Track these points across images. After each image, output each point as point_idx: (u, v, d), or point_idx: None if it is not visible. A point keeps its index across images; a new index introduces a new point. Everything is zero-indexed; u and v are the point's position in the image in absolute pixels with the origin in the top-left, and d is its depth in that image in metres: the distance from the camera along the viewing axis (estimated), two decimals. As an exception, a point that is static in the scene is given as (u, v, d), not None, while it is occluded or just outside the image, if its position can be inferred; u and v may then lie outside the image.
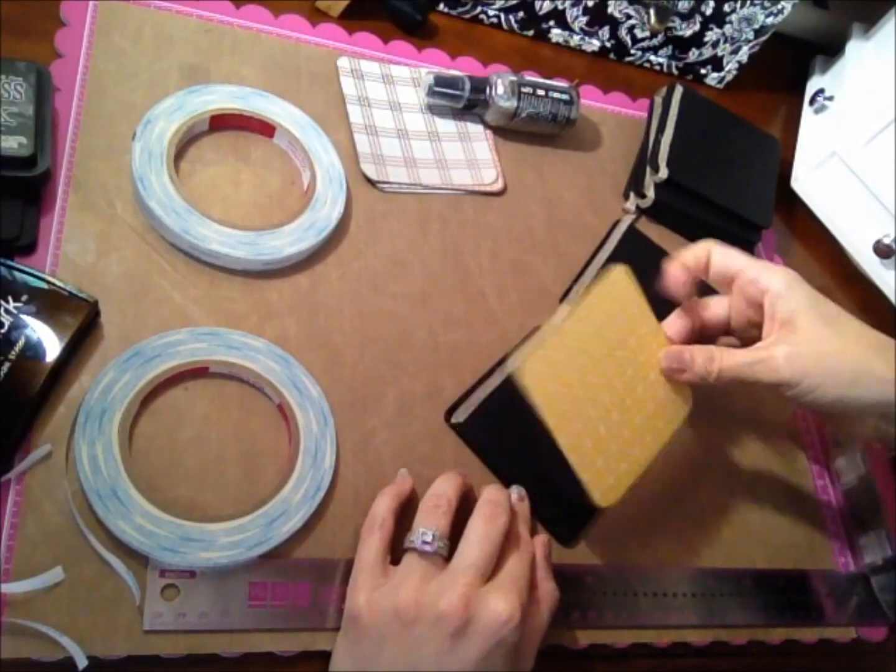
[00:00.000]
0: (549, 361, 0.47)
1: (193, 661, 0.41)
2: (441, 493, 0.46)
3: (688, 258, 0.52)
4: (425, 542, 0.43)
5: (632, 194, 0.67)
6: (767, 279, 0.48)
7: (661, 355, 0.50)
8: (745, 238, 0.68)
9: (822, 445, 0.63)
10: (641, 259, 0.64)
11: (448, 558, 0.43)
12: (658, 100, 0.71)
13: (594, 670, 0.49)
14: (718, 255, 0.51)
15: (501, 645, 0.40)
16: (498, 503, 0.45)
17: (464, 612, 0.40)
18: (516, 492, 0.50)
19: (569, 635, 0.48)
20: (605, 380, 0.48)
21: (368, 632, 0.41)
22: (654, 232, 0.67)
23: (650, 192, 0.65)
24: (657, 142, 0.67)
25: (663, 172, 0.64)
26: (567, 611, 0.48)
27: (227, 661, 0.42)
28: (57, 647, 0.39)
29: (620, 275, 0.51)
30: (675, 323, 0.53)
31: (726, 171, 0.68)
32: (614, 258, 0.63)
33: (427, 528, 0.43)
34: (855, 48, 0.78)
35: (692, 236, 0.68)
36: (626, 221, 0.65)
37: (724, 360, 0.48)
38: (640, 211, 0.67)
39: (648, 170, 0.66)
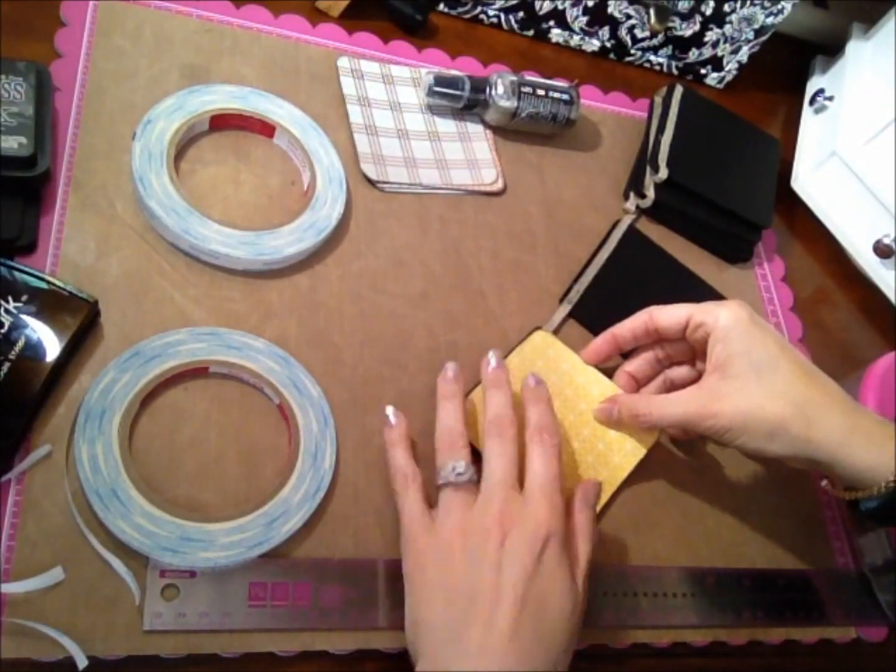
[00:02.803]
0: (479, 407, 0.51)
1: (193, 661, 0.41)
2: (451, 428, 0.47)
3: (621, 330, 0.54)
4: (459, 475, 0.45)
5: (632, 194, 0.67)
6: (713, 320, 0.50)
7: (594, 413, 0.54)
8: (745, 238, 0.68)
9: (822, 445, 0.63)
10: (641, 259, 0.65)
11: (479, 482, 0.45)
12: (658, 100, 0.71)
13: (594, 670, 0.49)
14: (663, 315, 0.52)
15: (547, 545, 0.42)
16: (500, 415, 0.47)
17: (502, 523, 0.42)
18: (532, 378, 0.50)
19: (569, 635, 0.48)
20: None
21: (430, 571, 0.42)
22: (655, 232, 0.67)
23: (650, 193, 0.65)
24: (657, 142, 0.67)
25: (663, 172, 0.64)
26: (567, 611, 0.48)
27: (227, 661, 0.42)
28: (57, 647, 0.39)
29: (541, 338, 0.57)
30: (633, 362, 0.56)
31: (726, 171, 0.68)
32: (614, 258, 0.63)
33: (454, 461, 0.45)
34: (855, 48, 0.78)
35: (692, 236, 0.68)
36: (626, 221, 0.65)
37: (654, 412, 0.50)
38: (640, 211, 0.67)
39: (648, 170, 0.66)
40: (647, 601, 0.51)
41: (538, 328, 0.57)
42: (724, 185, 0.67)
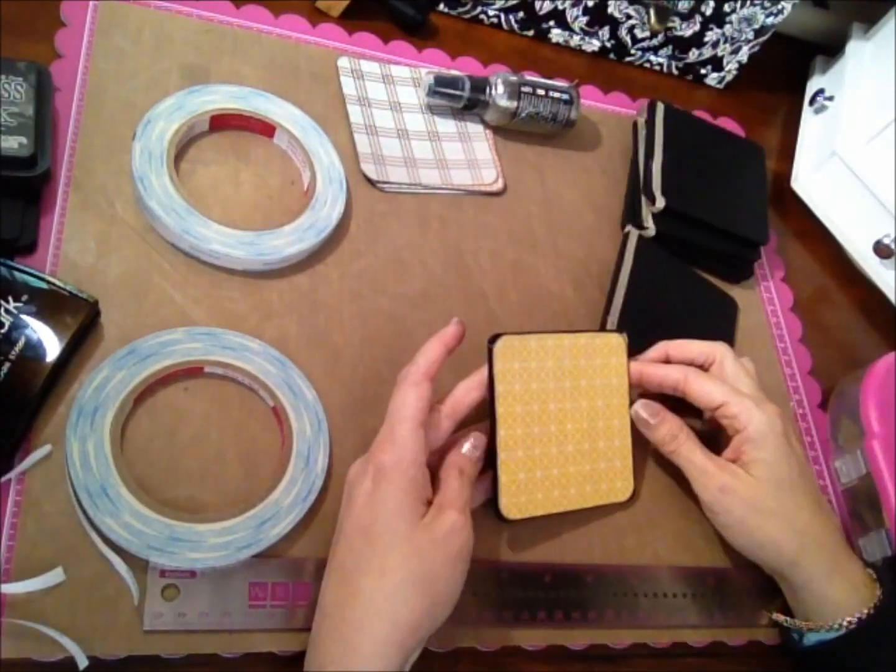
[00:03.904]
0: (520, 352, 0.50)
1: (193, 661, 0.41)
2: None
3: (651, 375, 0.53)
4: None
5: (629, 227, 0.64)
6: (747, 420, 0.50)
7: (636, 405, 0.53)
8: (745, 258, 0.67)
9: (822, 445, 0.63)
10: (659, 269, 0.63)
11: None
12: (641, 121, 0.70)
13: (594, 670, 0.49)
14: (696, 388, 0.52)
15: (378, 476, 0.43)
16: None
17: (364, 465, 0.44)
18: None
19: (569, 635, 0.48)
20: (562, 415, 0.51)
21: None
22: None
23: (649, 224, 0.64)
24: (648, 169, 0.65)
25: (660, 202, 0.63)
26: (567, 611, 0.48)
27: (227, 661, 0.42)
28: (57, 647, 0.39)
29: (617, 340, 0.54)
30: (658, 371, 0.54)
31: (719, 190, 0.67)
32: (635, 275, 0.60)
33: None
34: (855, 48, 0.78)
35: (692, 261, 0.66)
36: (635, 235, 0.63)
37: (682, 449, 0.51)
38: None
39: (644, 200, 0.64)
40: (647, 601, 0.51)
41: (621, 332, 0.55)
42: (718, 206, 0.66)
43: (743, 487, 0.49)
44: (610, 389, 0.54)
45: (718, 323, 0.64)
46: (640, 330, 0.58)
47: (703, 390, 0.51)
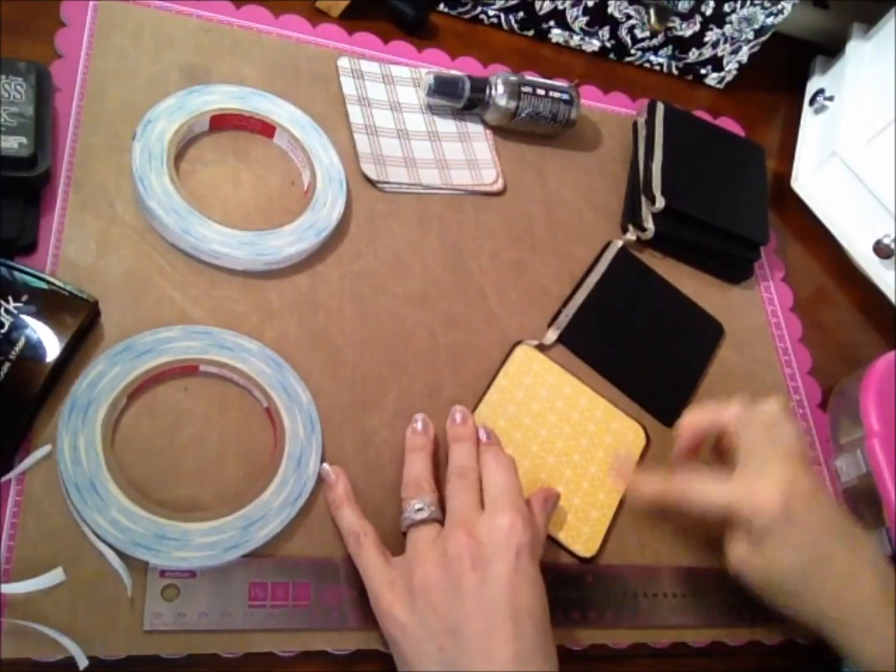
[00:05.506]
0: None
1: (193, 661, 0.41)
2: (417, 476, 0.47)
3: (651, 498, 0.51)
4: (418, 511, 0.44)
5: (630, 227, 0.65)
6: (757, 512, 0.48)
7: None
8: (745, 258, 0.67)
9: (822, 445, 0.63)
10: (632, 283, 0.64)
11: (443, 522, 0.45)
12: (641, 121, 0.70)
13: (594, 670, 0.49)
14: (696, 501, 0.49)
15: (521, 551, 0.42)
16: (463, 465, 0.47)
17: (470, 543, 0.42)
18: (483, 431, 0.50)
19: (569, 635, 0.48)
20: (547, 445, 0.53)
21: (408, 622, 0.41)
22: (650, 258, 0.66)
23: (649, 224, 0.64)
24: (648, 169, 0.65)
25: (660, 202, 0.63)
26: (567, 611, 0.48)
27: (227, 661, 0.42)
28: (57, 647, 0.39)
29: (524, 352, 0.56)
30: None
31: (719, 190, 0.67)
32: (604, 282, 0.61)
33: (416, 499, 0.45)
34: (855, 48, 0.78)
35: (692, 261, 0.67)
36: (618, 244, 0.64)
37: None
38: (640, 242, 0.65)
39: (644, 200, 0.64)
40: (646, 601, 0.51)
41: (519, 342, 0.56)
42: (719, 206, 0.66)
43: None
44: (556, 388, 0.55)
45: (692, 346, 0.63)
46: (593, 337, 0.59)
47: (701, 501, 0.49)
